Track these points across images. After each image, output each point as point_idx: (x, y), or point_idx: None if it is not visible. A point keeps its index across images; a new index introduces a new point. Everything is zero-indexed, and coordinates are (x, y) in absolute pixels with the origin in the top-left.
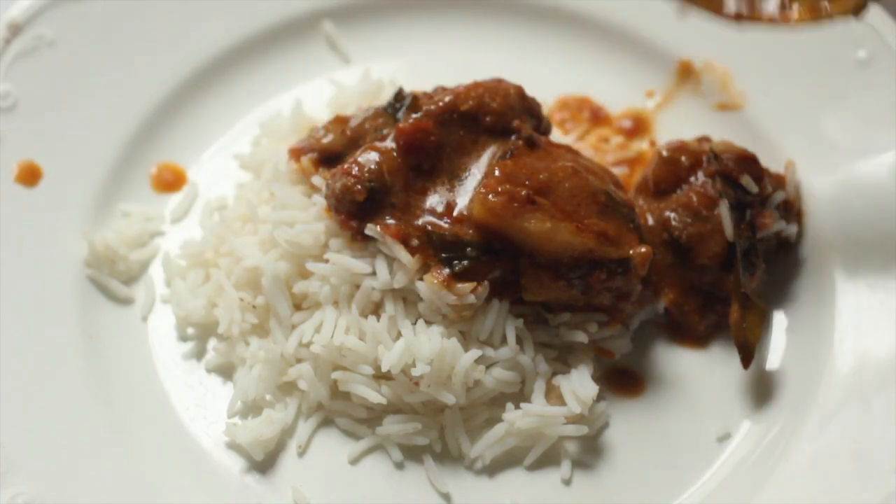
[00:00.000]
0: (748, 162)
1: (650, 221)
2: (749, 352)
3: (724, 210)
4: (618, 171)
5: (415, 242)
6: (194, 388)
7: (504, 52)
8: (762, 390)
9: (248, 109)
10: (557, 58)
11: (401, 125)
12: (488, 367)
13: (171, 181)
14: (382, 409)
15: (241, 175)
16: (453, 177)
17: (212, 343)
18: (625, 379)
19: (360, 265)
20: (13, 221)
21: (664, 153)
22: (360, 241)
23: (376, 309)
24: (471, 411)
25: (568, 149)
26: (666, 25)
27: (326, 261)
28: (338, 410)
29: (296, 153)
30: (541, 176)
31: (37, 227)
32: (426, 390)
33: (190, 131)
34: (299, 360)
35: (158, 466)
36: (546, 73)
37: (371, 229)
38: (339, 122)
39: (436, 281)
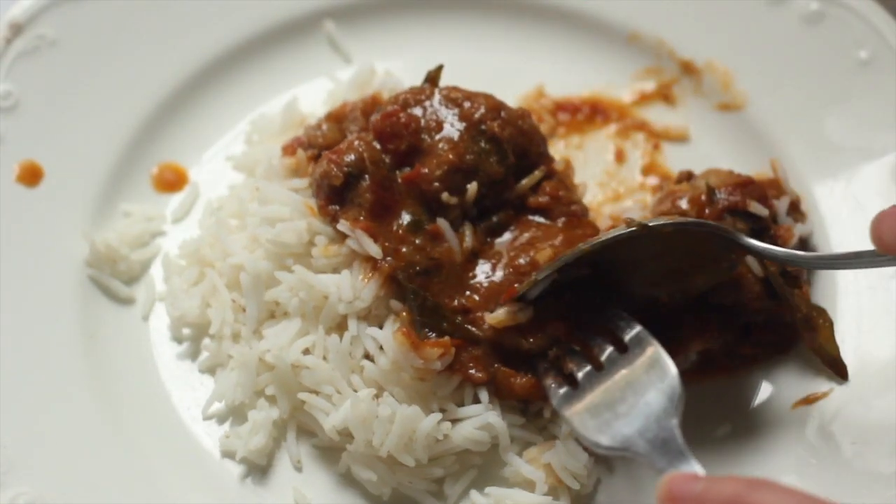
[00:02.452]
0: (746, 186)
1: None
2: (839, 363)
3: None
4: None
5: (384, 257)
6: (195, 388)
7: (508, 51)
8: (763, 391)
9: (249, 109)
10: (562, 57)
11: (372, 119)
12: (455, 421)
13: (172, 181)
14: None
15: (241, 175)
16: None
17: (205, 343)
18: None
19: (322, 282)
20: (14, 221)
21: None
22: (338, 243)
23: (345, 327)
24: (437, 462)
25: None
26: (668, 25)
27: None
28: (307, 426)
29: (289, 149)
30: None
31: (38, 227)
32: (384, 455)
33: (191, 131)
34: (270, 369)
35: (160, 467)
36: (550, 72)
37: (343, 225)
38: (335, 118)
39: (405, 339)
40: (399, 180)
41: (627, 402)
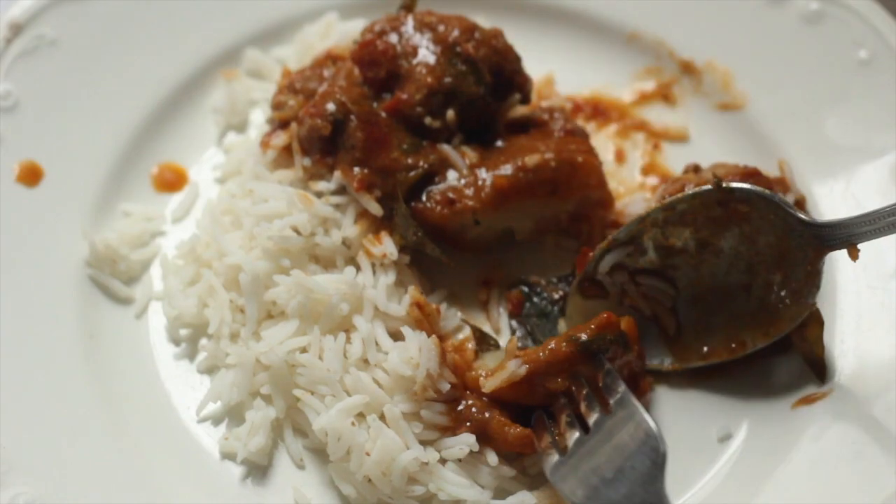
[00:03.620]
0: (752, 177)
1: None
2: (821, 364)
3: None
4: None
5: (377, 193)
6: (195, 387)
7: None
8: (763, 390)
9: None
10: (562, 57)
11: (350, 51)
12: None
13: (172, 181)
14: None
15: None
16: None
17: (202, 343)
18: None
19: (321, 284)
20: (14, 221)
21: (667, 200)
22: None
23: (344, 327)
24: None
25: None
26: (668, 25)
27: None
28: (300, 427)
29: (266, 143)
30: None
31: (38, 227)
32: (360, 479)
33: (191, 131)
34: (267, 369)
35: (159, 466)
36: (550, 72)
37: (337, 177)
38: (287, 88)
39: (455, 354)
40: (382, 113)
41: (613, 466)
